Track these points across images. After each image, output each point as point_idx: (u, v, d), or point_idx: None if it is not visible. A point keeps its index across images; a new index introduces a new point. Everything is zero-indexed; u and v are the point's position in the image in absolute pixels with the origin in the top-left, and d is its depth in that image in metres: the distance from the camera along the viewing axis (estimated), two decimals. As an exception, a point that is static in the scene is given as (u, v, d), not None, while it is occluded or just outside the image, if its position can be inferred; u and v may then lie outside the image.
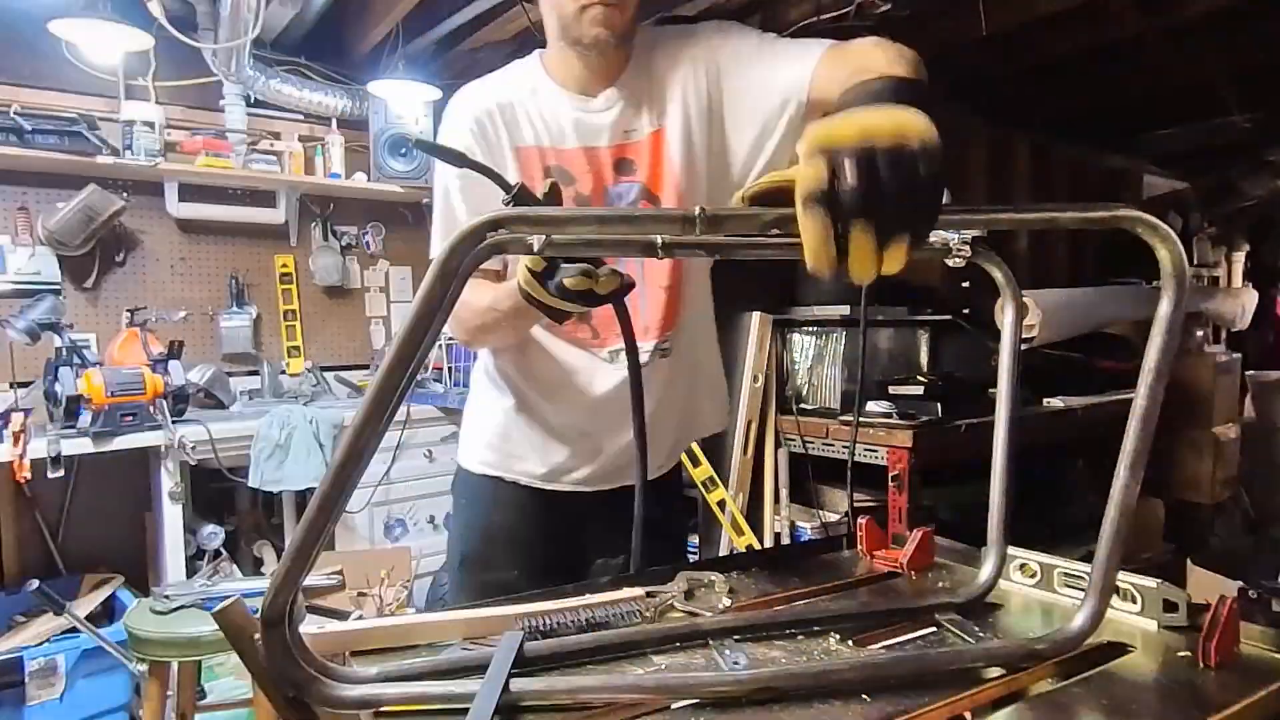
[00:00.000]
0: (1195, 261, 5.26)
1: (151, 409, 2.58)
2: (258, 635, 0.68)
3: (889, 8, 2.46)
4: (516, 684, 0.72)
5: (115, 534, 3.03)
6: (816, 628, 0.89)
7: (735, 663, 0.80)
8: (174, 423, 2.60)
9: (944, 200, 0.65)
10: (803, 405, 3.01)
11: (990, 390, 2.80)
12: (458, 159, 0.97)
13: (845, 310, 2.86)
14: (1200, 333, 3.92)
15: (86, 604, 2.54)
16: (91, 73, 2.99)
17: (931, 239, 0.78)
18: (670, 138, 1.24)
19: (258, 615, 0.68)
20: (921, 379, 2.80)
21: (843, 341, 2.89)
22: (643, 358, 1.21)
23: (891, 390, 2.74)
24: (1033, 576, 1.03)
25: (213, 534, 2.87)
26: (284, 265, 3.54)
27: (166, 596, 1.82)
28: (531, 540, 1.38)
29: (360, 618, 2.42)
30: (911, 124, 0.63)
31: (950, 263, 0.82)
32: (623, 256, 1.12)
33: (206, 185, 3.25)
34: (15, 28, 2.83)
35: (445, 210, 1.28)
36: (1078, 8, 2.81)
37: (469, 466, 1.42)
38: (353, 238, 3.72)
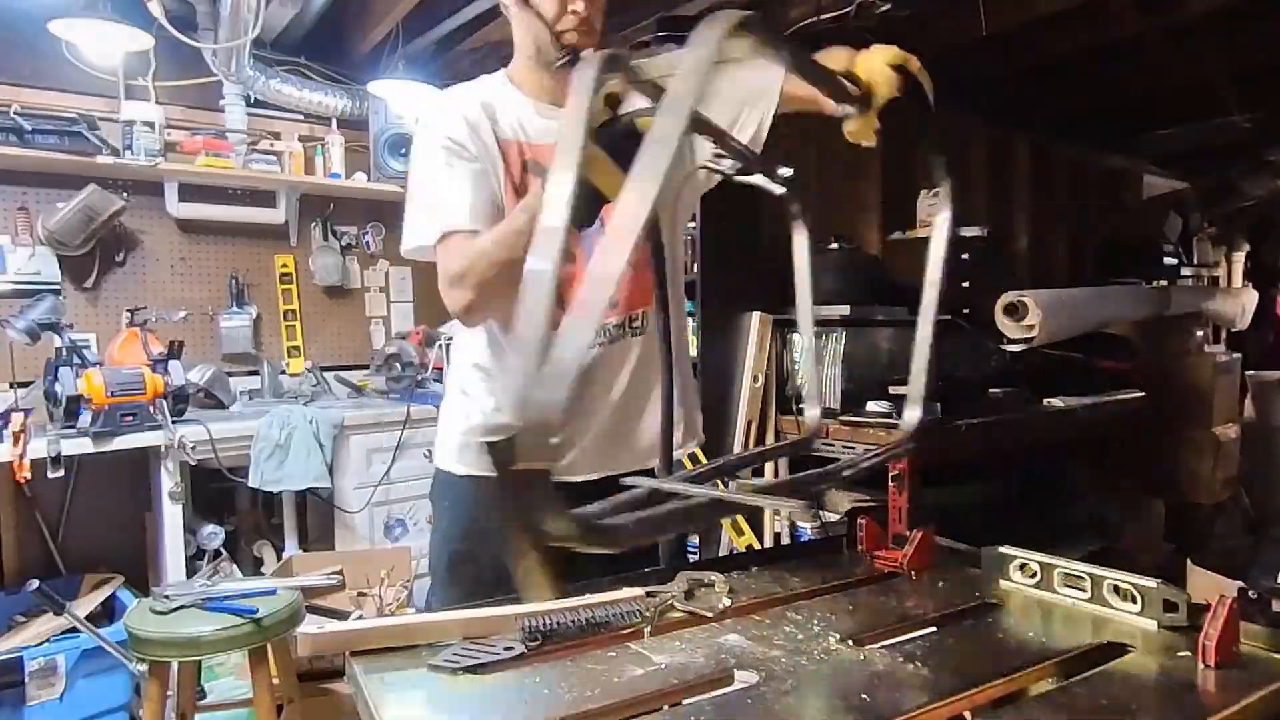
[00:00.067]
0: (1195, 261, 5.26)
1: (151, 409, 2.58)
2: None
3: (889, 8, 2.45)
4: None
5: (115, 534, 3.03)
6: (817, 628, 0.89)
7: (735, 662, 0.80)
8: (174, 423, 2.59)
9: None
10: (802, 405, 3.01)
11: (990, 390, 2.81)
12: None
13: (845, 310, 2.86)
14: (1200, 333, 3.92)
15: (86, 604, 2.53)
16: (91, 73, 2.99)
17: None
18: None
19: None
20: (921, 379, 2.79)
21: (843, 341, 2.89)
22: (611, 334, 1.27)
23: (891, 390, 2.73)
24: (1033, 576, 1.03)
25: (213, 534, 2.87)
26: (284, 265, 3.54)
27: (166, 596, 1.82)
28: None
29: (360, 618, 2.42)
30: None
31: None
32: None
33: (206, 185, 3.25)
34: (15, 28, 2.82)
35: (433, 189, 1.31)
36: (1078, 8, 2.81)
37: (449, 469, 1.43)
38: (353, 238, 3.72)
